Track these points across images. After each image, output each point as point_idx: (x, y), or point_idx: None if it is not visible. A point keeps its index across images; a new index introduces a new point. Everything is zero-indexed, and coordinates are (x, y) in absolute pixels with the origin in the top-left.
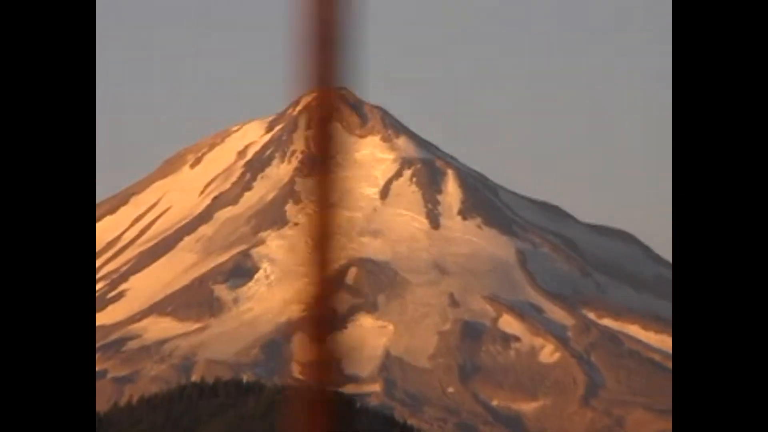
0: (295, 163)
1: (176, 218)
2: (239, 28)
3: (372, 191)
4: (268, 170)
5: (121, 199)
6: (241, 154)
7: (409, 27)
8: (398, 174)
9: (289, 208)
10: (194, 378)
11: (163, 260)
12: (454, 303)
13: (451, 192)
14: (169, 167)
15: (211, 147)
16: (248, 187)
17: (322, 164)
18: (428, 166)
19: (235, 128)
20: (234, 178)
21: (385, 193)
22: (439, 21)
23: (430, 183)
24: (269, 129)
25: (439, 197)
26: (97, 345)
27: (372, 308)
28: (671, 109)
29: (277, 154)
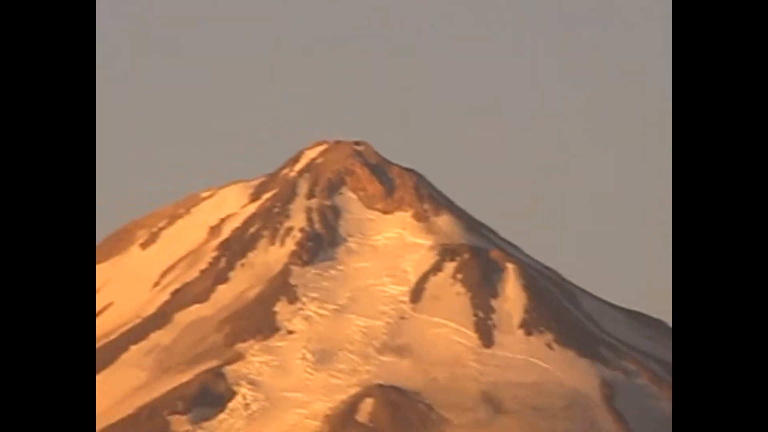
0: (291, 245)
1: (120, 319)
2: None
3: (399, 291)
4: (251, 255)
5: None
6: (214, 231)
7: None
8: (437, 267)
9: (281, 308)
10: None
11: (99, 378)
12: None
13: (512, 296)
14: (111, 246)
15: (172, 220)
16: (223, 279)
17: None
18: (480, 258)
19: (205, 194)
20: (203, 265)
21: (417, 294)
22: None
23: (481, 282)
24: (255, 197)
25: (494, 302)
26: None
27: None
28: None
29: (265, 233)
